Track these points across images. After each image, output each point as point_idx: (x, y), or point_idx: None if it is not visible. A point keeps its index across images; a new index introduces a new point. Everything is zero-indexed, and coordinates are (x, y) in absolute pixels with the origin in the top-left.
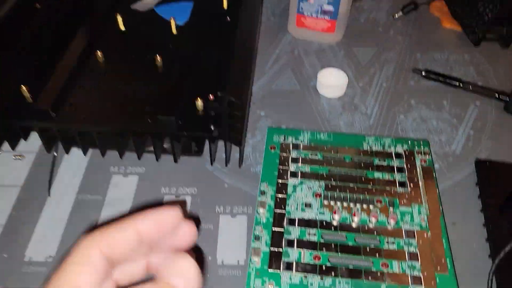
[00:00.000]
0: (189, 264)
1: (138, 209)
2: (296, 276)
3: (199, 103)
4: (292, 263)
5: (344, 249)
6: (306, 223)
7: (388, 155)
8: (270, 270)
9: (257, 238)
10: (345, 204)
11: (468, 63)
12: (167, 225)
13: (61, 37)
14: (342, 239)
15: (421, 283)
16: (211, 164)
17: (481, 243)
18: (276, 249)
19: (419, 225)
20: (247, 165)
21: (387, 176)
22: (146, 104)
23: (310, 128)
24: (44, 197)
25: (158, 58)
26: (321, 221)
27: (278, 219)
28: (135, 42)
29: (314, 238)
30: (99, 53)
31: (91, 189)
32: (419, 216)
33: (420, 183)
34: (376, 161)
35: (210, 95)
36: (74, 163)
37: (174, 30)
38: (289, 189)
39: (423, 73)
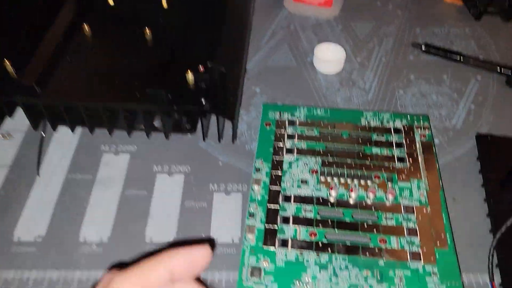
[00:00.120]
0: None
1: (130, 184)
2: (291, 253)
3: (190, 76)
4: (288, 240)
5: (341, 225)
6: (302, 200)
7: (387, 130)
8: (265, 248)
9: (251, 215)
10: (342, 180)
11: (469, 37)
12: (199, 264)
13: (46, 10)
14: (339, 216)
15: (420, 259)
16: (203, 139)
17: (481, 218)
18: (271, 226)
19: (418, 200)
20: (242, 142)
21: (385, 152)
22: (135, 79)
23: (306, 104)
24: (33, 177)
25: (148, 31)
26: (318, 198)
27: (273, 196)
28: (123, 15)
29: (310, 215)
30: (86, 26)
31: (81, 168)
32: (418, 191)
33: (419, 158)
34: (374, 137)
35: (200, 66)
36: (64, 142)
37: (164, 4)
38: (285, 166)
39: (423, 48)
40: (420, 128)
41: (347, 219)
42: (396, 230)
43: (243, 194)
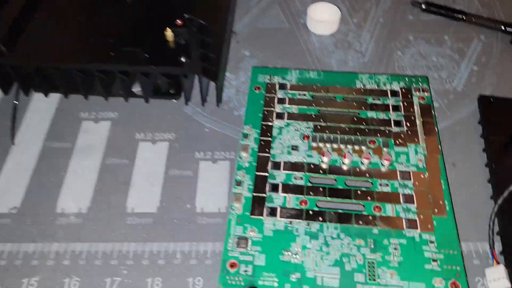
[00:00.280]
0: None
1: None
2: (280, 222)
3: (169, 33)
4: (276, 209)
5: (333, 192)
6: (292, 167)
7: (383, 93)
8: (252, 217)
9: (238, 183)
10: (335, 145)
11: None
12: None
13: None
14: (331, 182)
15: (417, 227)
16: (186, 103)
17: (482, 184)
18: (259, 195)
19: (416, 165)
20: (230, 108)
21: (381, 115)
22: (110, 38)
23: (299, 67)
24: (7, 146)
25: None
26: (309, 164)
27: (262, 163)
28: None
29: (300, 182)
30: None
31: (59, 136)
32: (416, 156)
33: (417, 121)
34: (370, 100)
35: (178, 20)
36: (41, 109)
37: None
38: (274, 132)
39: (423, 6)
40: (419, 90)
41: (340, 186)
42: (392, 197)
43: (231, 162)
